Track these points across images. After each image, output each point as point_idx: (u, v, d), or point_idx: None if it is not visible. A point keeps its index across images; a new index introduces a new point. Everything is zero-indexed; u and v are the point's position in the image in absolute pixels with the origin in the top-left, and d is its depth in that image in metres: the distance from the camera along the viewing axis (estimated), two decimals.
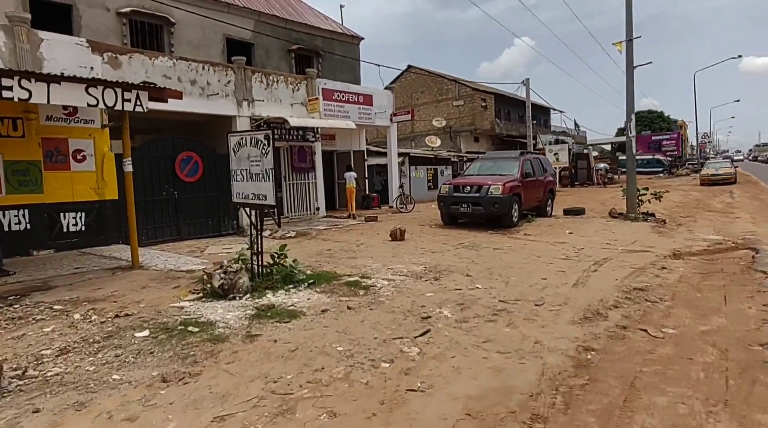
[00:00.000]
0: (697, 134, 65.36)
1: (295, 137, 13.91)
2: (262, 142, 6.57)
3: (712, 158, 56.11)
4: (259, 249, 6.84)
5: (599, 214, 14.39)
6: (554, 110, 44.69)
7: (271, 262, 7.06)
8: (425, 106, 33.44)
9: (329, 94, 14.90)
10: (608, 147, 61.88)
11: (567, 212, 14.41)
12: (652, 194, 12.46)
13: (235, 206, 7.55)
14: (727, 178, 27.49)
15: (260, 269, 6.79)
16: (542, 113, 45.32)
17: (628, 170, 12.64)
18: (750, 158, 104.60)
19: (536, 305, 5.44)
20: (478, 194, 11.24)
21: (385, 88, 17.51)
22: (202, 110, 11.74)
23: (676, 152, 56.73)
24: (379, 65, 17.31)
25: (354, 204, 15.83)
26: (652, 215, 12.56)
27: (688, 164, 56.13)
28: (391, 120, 17.47)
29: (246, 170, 6.91)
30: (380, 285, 6.39)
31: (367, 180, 18.18)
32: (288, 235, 11.43)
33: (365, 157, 18.18)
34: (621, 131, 77.56)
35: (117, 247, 9.90)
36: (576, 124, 53.31)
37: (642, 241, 9.41)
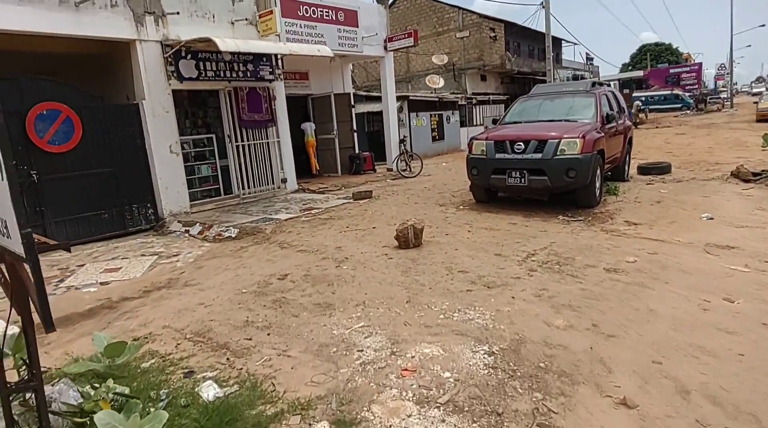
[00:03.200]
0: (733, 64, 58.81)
1: (241, 74, 9.13)
2: None
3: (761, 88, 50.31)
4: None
5: (688, 169, 9.93)
6: (568, 41, 39.01)
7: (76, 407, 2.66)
8: (423, 40, 27.91)
9: (292, 7, 9.97)
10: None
11: (645, 170, 9.94)
12: None
13: None
14: None
15: None
16: (553, 45, 39.70)
17: None
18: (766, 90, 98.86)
19: None
20: (538, 155, 6.69)
21: (377, 0, 12.47)
22: (68, 29, 6.93)
23: (696, 87, 51.47)
24: None
25: (315, 160, 12.84)
26: None
27: (710, 99, 51.04)
28: (385, 48, 12.54)
29: None
30: None
31: (356, 134, 13.49)
32: (225, 235, 6.95)
33: (352, 102, 13.40)
34: (626, 66, 71.81)
35: None
36: (588, 57, 47.57)
37: None
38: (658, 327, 3.32)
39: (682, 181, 8.67)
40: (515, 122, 7.97)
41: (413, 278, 4.66)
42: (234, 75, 9.03)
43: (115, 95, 8.29)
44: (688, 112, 39.09)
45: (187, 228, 7.60)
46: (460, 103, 23.28)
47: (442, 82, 24.66)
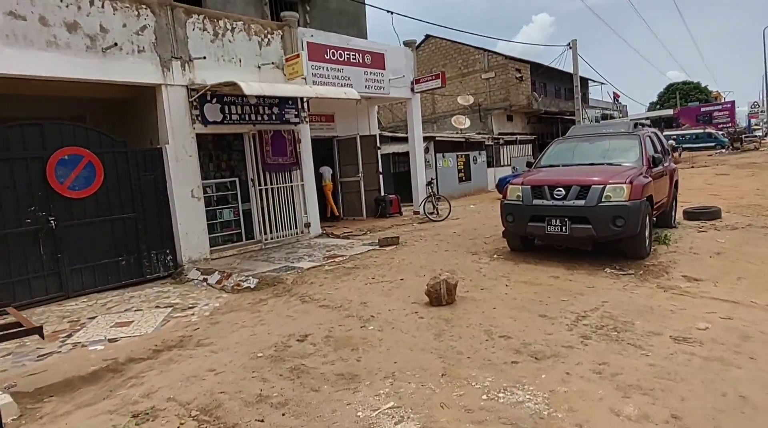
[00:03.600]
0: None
1: (266, 117, 8.99)
2: None
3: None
4: None
5: (741, 215, 9.18)
6: (595, 81, 38.71)
7: None
8: (449, 81, 27.91)
9: (319, 51, 9.91)
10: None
11: (692, 215, 9.24)
12: None
13: None
14: None
15: None
16: (580, 85, 39.47)
17: None
18: None
19: None
20: (581, 202, 6.17)
21: (404, 43, 12.42)
22: (94, 75, 6.90)
23: (730, 125, 50.14)
24: (392, 13, 12.14)
25: (333, 204, 12.68)
26: None
27: (746, 138, 49.55)
28: (412, 89, 12.39)
29: None
30: None
31: (382, 176, 13.20)
32: (244, 286, 6.55)
33: (377, 144, 13.18)
34: (654, 105, 70.97)
35: None
36: (616, 97, 47.12)
37: None
38: (758, 423, 2.70)
39: (737, 228, 7.95)
40: (551, 166, 7.49)
41: (448, 344, 4.11)
42: (259, 118, 8.89)
43: (140, 139, 8.20)
44: (724, 151, 37.85)
45: (205, 277, 7.25)
46: (486, 143, 22.99)
47: (468, 123, 24.50)
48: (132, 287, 7.30)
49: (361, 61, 10.76)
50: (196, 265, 7.83)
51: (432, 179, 13.07)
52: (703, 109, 53.13)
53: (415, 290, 5.68)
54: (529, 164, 8.09)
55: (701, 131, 45.06)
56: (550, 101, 32.40)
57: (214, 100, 8.22)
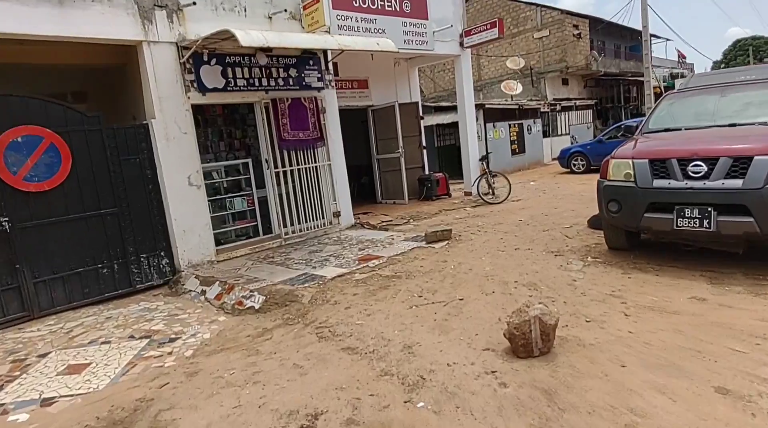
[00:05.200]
0: None
1: (281, 82, 7.19)
2: None
3: None
4: None
5: None
6: (659, 37, 34.55)
7: None
8: (497, 42, 25.34)
9: None
10: None
11: None
12: None
13: None
14: None
15: None
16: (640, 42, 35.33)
17: None
18: None
19: None
20: (737, 183, 4.06)
21: None
22: (48, 29, 5.28)
23: None
24: None
25: None
26: None
27: None
28: (461, 44, 10.25)
29: None
30: None
31: (425, 150, 11.25)
32: (247, 305, 4.86)
33: (420, 113, 11.19)
34: (718, 64, 63.92)
35: None
36: (681, 55, 42.39)
37: None
38: None
39: None
40: (668, 130, 5.33)
41: None
42: (272, 83, 7.10)
43: (120, 113, 6.63)
44: None
45: (204, 288, 5.65)
46: (542, 110, 20.43)
47: (520, 88, 21.88)
48: (117, 300, 5.81)
49: (398, 8, 8.71)
50: (197, 270, 6.26)
51: (489, 153, 10.99)
52: None
53: (484, 322, 3.81)
54: (628, 130, 5.93)
55: None
56: (609, 62, 28.97)
57: (213, 61, 6.48)
